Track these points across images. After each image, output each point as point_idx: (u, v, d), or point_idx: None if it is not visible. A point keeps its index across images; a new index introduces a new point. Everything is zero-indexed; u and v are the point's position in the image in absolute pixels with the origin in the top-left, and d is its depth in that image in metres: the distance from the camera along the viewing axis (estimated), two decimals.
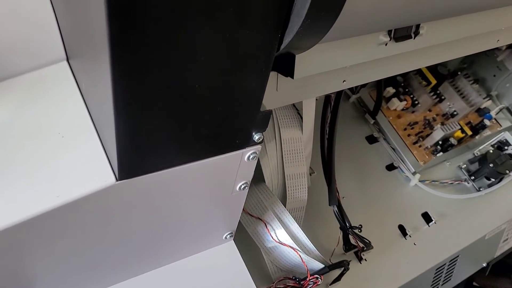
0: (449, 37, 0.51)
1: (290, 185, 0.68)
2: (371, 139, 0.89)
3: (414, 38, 0.47)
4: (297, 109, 0.71)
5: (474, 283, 1.44)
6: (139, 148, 0.36)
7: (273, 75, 0.43)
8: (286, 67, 0.41)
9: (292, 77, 0.41)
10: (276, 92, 0.44)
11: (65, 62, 0.44)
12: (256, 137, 0.42)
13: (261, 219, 0.64)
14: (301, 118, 0.69)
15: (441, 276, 0.80)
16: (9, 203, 0.36)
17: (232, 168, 0.45)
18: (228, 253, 0.57)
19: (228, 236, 0.56)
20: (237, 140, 0.42)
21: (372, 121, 0.88)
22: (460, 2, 0.45)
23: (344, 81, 0.49)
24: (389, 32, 0.45)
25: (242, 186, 0.48)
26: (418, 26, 0.46)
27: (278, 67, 0.41)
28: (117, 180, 0.38)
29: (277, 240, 0.62)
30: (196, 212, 0.49)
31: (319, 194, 0.74)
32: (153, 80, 0.31)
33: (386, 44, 0.46)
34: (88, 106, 0.41)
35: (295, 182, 0.68)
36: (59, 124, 0.40)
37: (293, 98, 0.47)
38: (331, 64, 0.43)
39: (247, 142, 0.43)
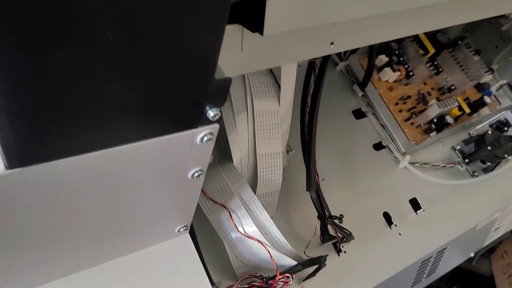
0: None
1: (262, 165, 0.58)
2: (358, 114, 0.78)
3: None
4: (274, 76, 0.60)
5: None
6: (33, 130, 0.25)
7: (235, 29, 0.31)
8: (253, 17, 0.29)
9: (261, 32, 0.30)
10: (241, 54, 0.33)
11: None
12: (211, 113, 0.32)
13: (225, 207, 0.54)
14: (279, 87, 0.58)
15: (426, 269, 0.73)
16: None
17: (181, 152, 0.34)
18: (181, 247, 0.47)
19: (181, 229, 0.46)
20: (183, 117, 0.31)
21: (360, 93, 0.78)
22: None
23: (332, 43, 0.38)
24: None
25: (196, 174, 0.38)
26: None
27: (243, 18, 0.30)
28: (7, 168, 0.27)
29: (243, 232, 0.52)
30: (138, 203, 0.38)
31: (296, 175, 0.65)
32: (37, 14, 0.19)
33: None
34: None
35: (268, 162, 0.58)
36: None
37: (263, 63, 0.35)
38: (316, 16, 0.32)
39: (199, 119, 0.32)
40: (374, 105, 0.77)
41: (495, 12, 0.53)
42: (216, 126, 0.33)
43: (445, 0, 0.39)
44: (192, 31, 0.24)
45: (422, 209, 0.72)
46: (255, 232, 0.52)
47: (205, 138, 0.34)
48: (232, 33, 0.31)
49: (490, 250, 1.47)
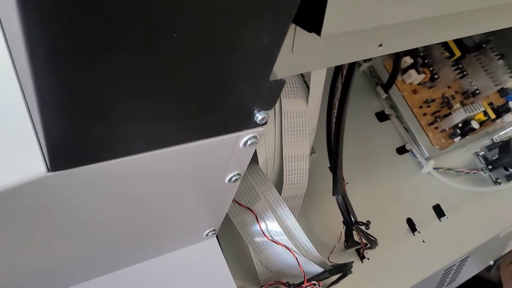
0: None
1: (288, 168, 0.56)
2: (382, 116, 0.76)
3: None
4: (303, 76, 0.58)
5: None
6: (77, 131, 0.23)
7: (290, 29, 0.29)
8: (312, 17, 0.27)
9: (319, 33, 0.28)
10: (291, 54, 0.31)
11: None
12: (259, 116, 0.30)
13: (251, 210, 0.52)
14: (308, 87, 0.56)
15: (448, 277, 0.71)
16: None
17: (222, 155, 0.33)
18: (208, 251, 0.46)
19: (210, 233, 0.45)
20: (231, 120, 0.29)
21: (384, 95, 0.76)
22: None
23: (380, 45, 0.36)
24: None
25: (234, 178, 0.36)
26: None
27: (299, 17, 0.28)
28: (48, 171, 0.25)
29: (269, 237, 0.51)
30: (172, 207, 0.37)
31: (319, 178, 0.63)
32: (94, 19, 0.17)
33: None
34: (21, 83, 0.27)
35: (294, 165, 0.56)
36: None
37: (312, 64, 0.33)
38: (372, 18, 0.30)
39: (246, 123, 0.30)
40: (398, 108, 0.75)
41: None
42: (261, 130, 0.32)
43: (501, 3, 0.37)
44: (255, 33, 0.23)
45: (446, 216, 0.70)
46: (282, 237, 0.50)
47: (249, 142, 0.32)
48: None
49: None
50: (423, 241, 0.67)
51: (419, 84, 0.78)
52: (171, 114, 0.26)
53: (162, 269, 0.44)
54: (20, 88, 0.27)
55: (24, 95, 0.27)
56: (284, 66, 0.31)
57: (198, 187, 0.35)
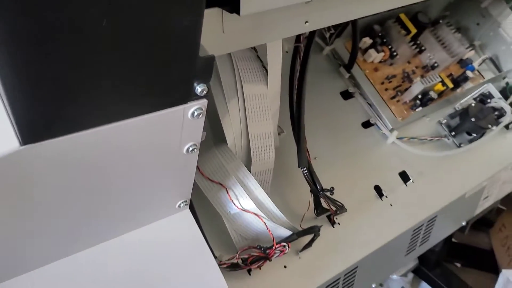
0: None
1: (255, 146, 0.62)
2: (346, 95, 0.82)
3: None
4: (262, 62, 0.63)
5: (453, 239, 1.44)
6: (39, 106, 0.28)
7: (216, 12, 0.35)
8: (232, 1, 0.33)
9: (238, 13, 0.33)
10: (223, 35, 0.36)
11: None
12: (198, 89, 0.35)
13: (222, 185, 0.57)
14: (267, 71, 0.61)
15: (418, 237, 0.77)
16: None
17: (174, 127, 0.38)
18: (182, 222, 0.51)
19: (182, 204, 0.50)
20: (175, 93, 0.35)
21: (347, 75, 0.82)
22: None
23: (306, 21, 0.41)
24: None
25: (190, 149, 0.42)
26: None
27: (221, 1, 0.34)
28: (21, 145, 0.31)
29: (240, 207, 0.56)
30: (137, 179, 0.42)
31: (289, 155, 0.68)
32: (42, 9, 0.23)
33: None
34: None
35: (260, 142, 0.62)
36: None
37: (244, 42, 0.39)
38: None
39: (189, 95, 0.36)
40: (361, 86, 0.81)
41: None
42: (205, 102, 0.37)
43: None
44: (174, 14, 0.28)
45: (411, 181, 0.75)
46: (252, 206, 0.56)
47: (196, 113, 0.37)
48: (213, 16, 0.35)
49: (489, 225, 1.51)
50: (391, 205, 0.72)
51: (380, 62, 0.84)
52: (122, 91, 0.31)
53: (139, 241, 0.49)
54: None
55: None
56: (218, 45, 0.37)
57: (160, 158, 0.41)
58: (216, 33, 0.36)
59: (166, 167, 0.43)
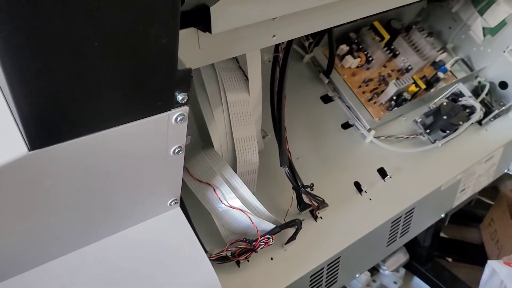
0: None
1: (239, 148, 0.67)
2: (326, 99, 0.88)
3: None
4: (243, 71, 0.69)
5: (443, 234, 1.49)
6: (46, 116, 0.34)
7: (192, 32, 0.41)
8: (202, 21, 0.39)
9: (210, 31, 0.39)
10: (199, 50, 0.42)
11: None
12: (179, 97, 0.41)
13: (210, 184, 0.63)
14: (247, 79, 0.67)
15: (398, 228, 0.82)
16: None
17: (160, 132, 0.44)
18: (174, 219, 0.56)
19: (172, 202, 0.55)
20: (159, 102, 0.40)
21: (326, 81, 0.87)
22: None
23: (274, 36, 0.47)
24: None
25: (176, 150, 0.47)
26: None
27: (195, 22, 0.39)
28: (29, 150, 0.36)
29: (227, 204, 0.62)
30: (130, 179, 0.47)
31: (273, 156, 0.74)
32: (41, 38, 0.29)
33: None
34: None
35: (244, 145, 0.68)
36: None
37: (218, 55, 0.45)
38: (254, 16, 0.42)
39: (171, 103, 0.41)
40: (340, 90, 0.87)
41: None
42: (186, 108, 0.43)
43: None
44: (154, 34, 0.34)
45: (389, 176, 0.81)
46: (237, 203, 0.61)
47: (179, 118, 0.43)
48: (190, 35, 0.41)
49: (478, 220, 1.56)
50: (370, 199, 0.77)
51: (357, 67, 0.90)
52: (115, 100, 0.37)
53: (133, 239, 0.54)
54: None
55: (5, 96, 0.38)
56: (195, 59, 0.43)
57: (149, 160, 0.46)
58: (193, 49, 0.42)
59: (156, 167, 0.48)
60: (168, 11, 0.33)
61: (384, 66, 0.92)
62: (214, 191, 0.62)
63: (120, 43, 0.32)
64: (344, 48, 0.88)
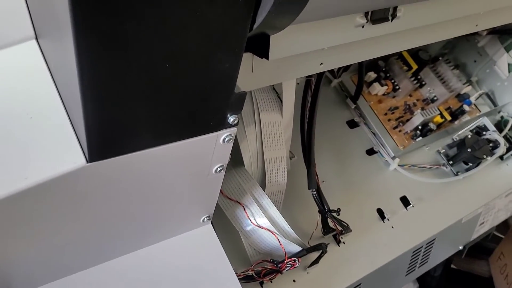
0: (427, 21, 0.51)
1: (269, 168, 0.68)
2: (352, 124, 0.89)
3: (391, 21, 0.46)
4: (277, 93, 0.70)
5: (452, 266, 1.48)
6: (109, 130, 0.35)
7: (248, 56, 0.42)
8: (261, 48, 0.40)
9: (267, 58, 0.40)
10: (252, 74, 0.43)
11: (34, 41, 0.42)
12: (231, 119, 0.42)
13: (239, 203, 0.63)
14: (281, 101, 0.68)
15: (418, 258, 0.82)
16: None
17: (208, 150, 0.45)
18: (205, 236, 0.57)
19: (205, 219, 0.56)
20: (211, 122, 0.41)
21: (353, 106, 0.89)
22: None
23: (321, 63, 0.48)
24: (366, 14, 0.44)
25: (218, 169, 0.48)
26: (395, 9, 0.46)
27: (253, 48, 0.41)
28: (87, 162, 0.37)
29: (256, 224, 0.62)
30: (172, 194, 0.48)
31: (299, 178, 0.74)
32: (119, 59, 0.30)
33: (363, 27, 0.45)
34: (57, 86, 0.40)
35: (274, 165, 0.68)
36: (28, 104, 0.39)
37: (269, 80, 0.46)
38: (307, 45, 0.43)
39: (222, 124, 0.42)
40: (366, 116, 0.88)
41: (464, 31, 0.63)
42: (235, 129, 0.44)
43: (418, 25, 0.50)
44: (219, 59, 0.35)
45: (411, 205, 0.81)
46: (266, 223, 0.62)
47: (226, 139, 0.44)
48: (245, 59, 0.42)
49: (487, 253, 1.55)
50: (392, 227, 0.78)
51: (384, 94, 0.91)
52: (172, 118, 0.38)
53: (166, 252, 0.55)
54: (59, 96, 0.39)
55: (64, 103, 0.39)
56: (248, 82, 0.44)
57: (193, 176, 0.47)
58: (247, 72, 0.43)
59: (196, 184, 0.49)
60: (237, 38, 0.34)
61: (410, 95, 0.93)
62: (244, 209, 0.63)
63: (189, 65, 0.34)
64: (372, 75, 0.90)
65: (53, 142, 0.38)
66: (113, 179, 0.40)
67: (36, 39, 0.42)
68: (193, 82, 0.35)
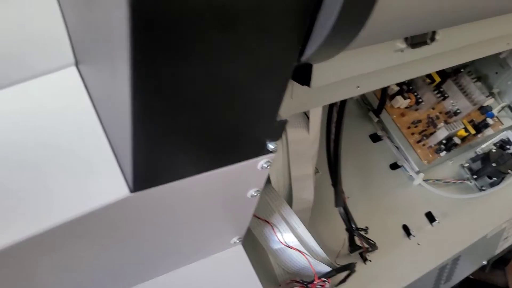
0: (463, 42, 0.51)
1: (296, 186, 0.68)
2: (375, 138, 0.88)
3: (430, 44, 0.46)
4: None
5: (470, 276, 1.46)
6: (155, 161, 0.35)
7: (289, 83, 0.42)
8: (303, 76, 0.40)
9: (309, 86, 0.40)
10: (291, 100, 0.43)
11: (74, 68, 0.42)
12: (271, 146, 0.42)
13: (268, 222, 0.63)
14: (308, 118, 0.68)
15: (443, 275, 0.81)
16: (21, 217, 0.35)
17: (246, 176, 0.44)
18: (236, 257, 0.57)
19: (236, 240, 0.56)
20: (252, 149, 0.41)
21: (376, 119, 0.88)
22: (476, 11, 0.44)
23: (357, 87, 0.48)
24: (406, 39, 0.44)
25: (254, 194, 0.48)
26: (434, 33, 0.46)
27: (295, 76, 0.40)
28: (131, 192, 0.37)
29: (284, 243, 0.62)
30: (206, 218, 0.48)
31: (324, 194, 0.74)
32: (172, 93, 0.30)
33: (402, 51, 0.45)
34: (99, 115, 0.40)
35: (301, 183, 0.68)
36: (68, 134, 0.39)
37: (308, 105, 0.46)
38: (348, 72, 0.42)
39: (262, 151, 0.42)
40: (389, 129, 0.87)
41: (497, 50, 0.63)
42: (273, 156, 0.43)
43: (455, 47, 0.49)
44: (265, 88, 0.35)
45: (437, 221, 0.80)
46: (295, 242, 0.61)
47: (265, 165, 0.44)
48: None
49: (505, 263, 1.53)
50: (418, 244, 0.77)
51: (406, 107, 0.90)
52: (215, 146, 0.38)
53: (197, 273, 0.55)
54: (102, 129, 0.39)
55: (108, 137, 0.39)
56: (286, 109, 0.43)
57: (229, 201, 0.47)
58: (286, 99, 0.42)
59: (231, 208, 0.49)
60: (284, 72, 0.34)
61: (433, 108, 0.93)
62: (272, 228, 0.62)
63: (237, 101, 0.33)
64: (394, 87, 0.89)
65: (96, 172, 0.38)
66: (152, 207, 0.40)
67: (76, 65, 0.42)
68: (240, 115, 0.35)
